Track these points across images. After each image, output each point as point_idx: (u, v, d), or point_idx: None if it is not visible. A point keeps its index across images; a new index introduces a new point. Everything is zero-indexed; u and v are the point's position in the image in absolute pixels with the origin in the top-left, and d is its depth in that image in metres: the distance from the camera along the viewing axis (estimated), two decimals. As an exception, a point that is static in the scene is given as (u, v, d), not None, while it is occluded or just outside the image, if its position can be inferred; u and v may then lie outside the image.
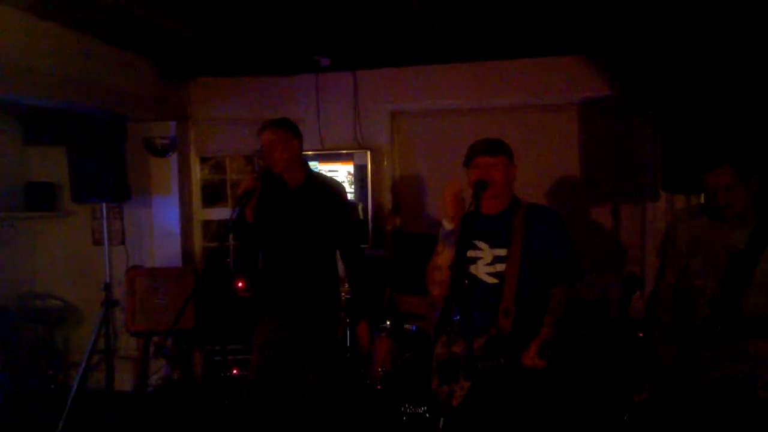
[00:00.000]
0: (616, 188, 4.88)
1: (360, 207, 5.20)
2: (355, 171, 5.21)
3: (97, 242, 5.38)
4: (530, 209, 2.79)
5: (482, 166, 2.71)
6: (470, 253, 2.74)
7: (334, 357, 3.69)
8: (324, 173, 4.90)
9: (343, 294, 4.37)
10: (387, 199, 5.34)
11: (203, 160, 5.73)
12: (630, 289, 3.61)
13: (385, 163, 5.32)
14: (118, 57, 4.53)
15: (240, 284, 5.00)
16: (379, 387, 4.18)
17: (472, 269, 2.74)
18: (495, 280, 2.70)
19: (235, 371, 4.83)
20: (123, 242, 5.41)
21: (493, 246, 2.74)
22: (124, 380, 5.14)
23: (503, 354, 2.59)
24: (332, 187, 3.51)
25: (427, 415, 3.60)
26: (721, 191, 2.70)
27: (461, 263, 2.46)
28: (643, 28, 3.96)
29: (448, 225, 2.62)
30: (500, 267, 2.71)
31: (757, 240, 2.66)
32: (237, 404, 4.34)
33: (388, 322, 4.44)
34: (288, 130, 3.34)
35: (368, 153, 5.20)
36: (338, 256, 3.49)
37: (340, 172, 5.22)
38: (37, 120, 5.23)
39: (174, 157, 5.34)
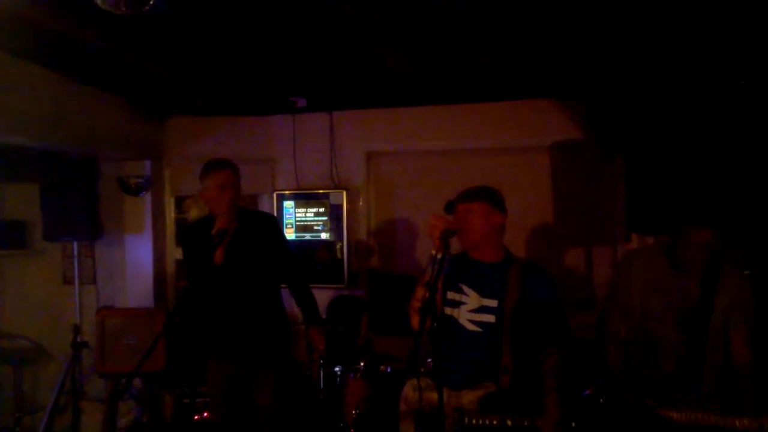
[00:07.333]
0: (589, 229, 4.94)
1: (337, 246, 5.21)
2: (331, 211, 5.24)
3: (68, 281, 5.31)
4: (526, 266, 2.74)
5: (459, 213, 2.70)
6: (453, 296, 2.70)
7: (288, 381, 3.71)
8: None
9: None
10: (363, 239, 5.35)
11: (178, 200, 5.71)
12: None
13: (361, 202, 5.34)
14: (93, 96, 4.51)
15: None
16: (352, 430, 4.13)
17: (454, 313, 2.69)
18: (477, 329, 2.66)
19: (205, 414, 4.73)
20: (94, 281, 5.34)
21: (483, 295, 2.69)
22: (93, 423, 5.02)
23: (505, 412, 2.52)
24: (265, 221, 3.57)
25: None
26: (700, 247, 2.75)
27: (431, 304, 2.36)
28: (611, 76, 4.07)
29: (435, 252, 2.50)
30: (487, 317, 2.66)
31: (707, 292, 2.74)
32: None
33: (362, 363, 4.39)
34: (234, 173, 3.35)
35: (344, 193, 5.22)
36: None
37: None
38: (9, 157, 5.17)
39: (148, 196, 5.32)
